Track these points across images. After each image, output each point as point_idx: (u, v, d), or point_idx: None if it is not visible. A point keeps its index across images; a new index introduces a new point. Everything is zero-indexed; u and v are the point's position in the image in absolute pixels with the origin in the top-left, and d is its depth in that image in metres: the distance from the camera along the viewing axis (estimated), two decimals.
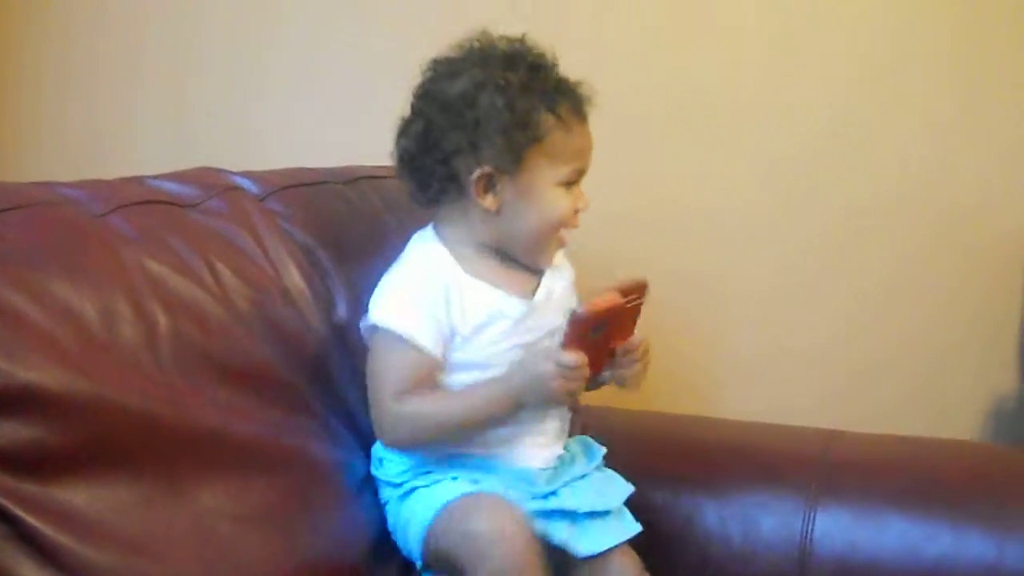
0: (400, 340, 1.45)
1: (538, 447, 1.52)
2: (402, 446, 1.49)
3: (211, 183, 1.56)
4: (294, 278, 1.54)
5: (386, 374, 1.46)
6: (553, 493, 1.51)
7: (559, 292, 1.56)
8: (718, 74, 2.22)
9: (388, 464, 1.52)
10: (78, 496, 1.23)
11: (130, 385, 1.29)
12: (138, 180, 1.54)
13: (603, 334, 1.44)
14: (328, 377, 1.53)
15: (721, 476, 1.70)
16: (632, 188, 2.19)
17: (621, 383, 1.51)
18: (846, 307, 2.29)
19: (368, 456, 1.54)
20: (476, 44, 1.50)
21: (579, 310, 1.40)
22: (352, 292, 1.57)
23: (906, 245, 2.26)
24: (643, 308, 1.48)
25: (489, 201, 1.47)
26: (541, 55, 1.50)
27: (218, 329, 1.41)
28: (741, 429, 1.84)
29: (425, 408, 1.45)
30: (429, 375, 1.46)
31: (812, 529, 1.62)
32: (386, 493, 1.52)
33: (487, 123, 1.45)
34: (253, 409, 1.42)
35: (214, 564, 1.30)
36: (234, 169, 1.63)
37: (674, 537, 1.66)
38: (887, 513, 1.61)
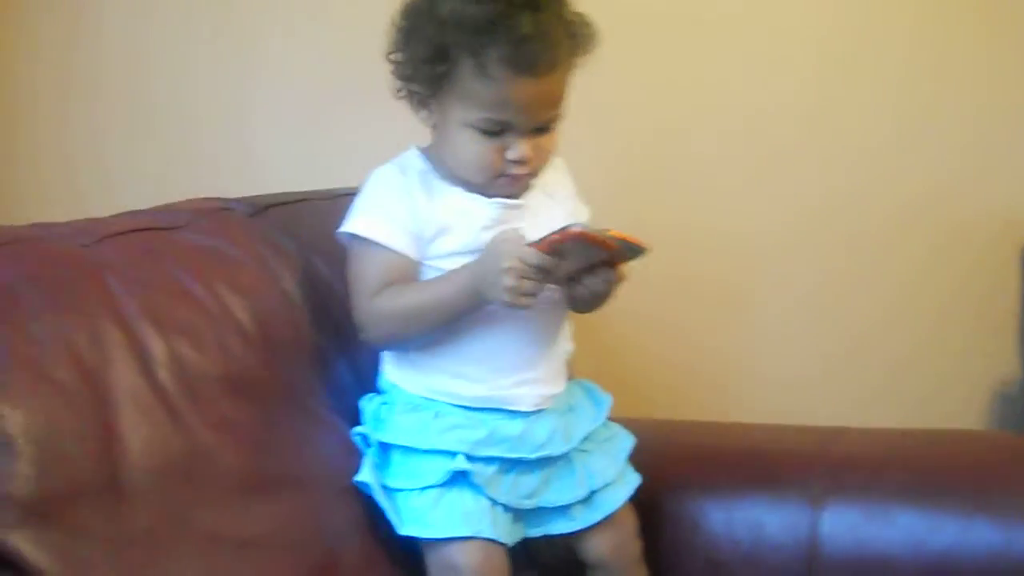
0: (372, 244, 1.46)
1: (528, 386, 1.49)
2: (385, 342, 1.50)
3: (199, 208, 1.56)
4: (291, 284, 1.53)
5: (362, 277, 1.47)
6: (565, 456, 1.52)
7: (545, 208, 1.52)
8: (705, 72, 2.25)
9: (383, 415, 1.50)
10: (78, 532, 1.20)
11: (127, 412, 1.27)
12: (124, 213, 1.53)
13: (578, 263, 1.43)
14: (333, 382, 1.53)
15: (725, 479, 1.70)
16: (647, 196, 2.24)
17: (573, 303, 1.50)
18: (849, 311, 2.31)
19: None
20: None
21: (571, 225, 1.41)
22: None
23: (909, 244, 2.30)
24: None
25: (424, 117, 1.48)
26: None
27: (214, 344, 1.40)
28: (744, 431, 1.82)
29: (399, 300, 1.45)
30: (404, 275, 1.47)
31: (819, 528, 1.61)
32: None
33: (411, 44, 1.45)
34: (256, 423, 1.41)
35: None
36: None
37: (681, 542, 1.66)
38: (892, 507, 1.60)
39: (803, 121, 2.26)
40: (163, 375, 1.33)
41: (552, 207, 1.54)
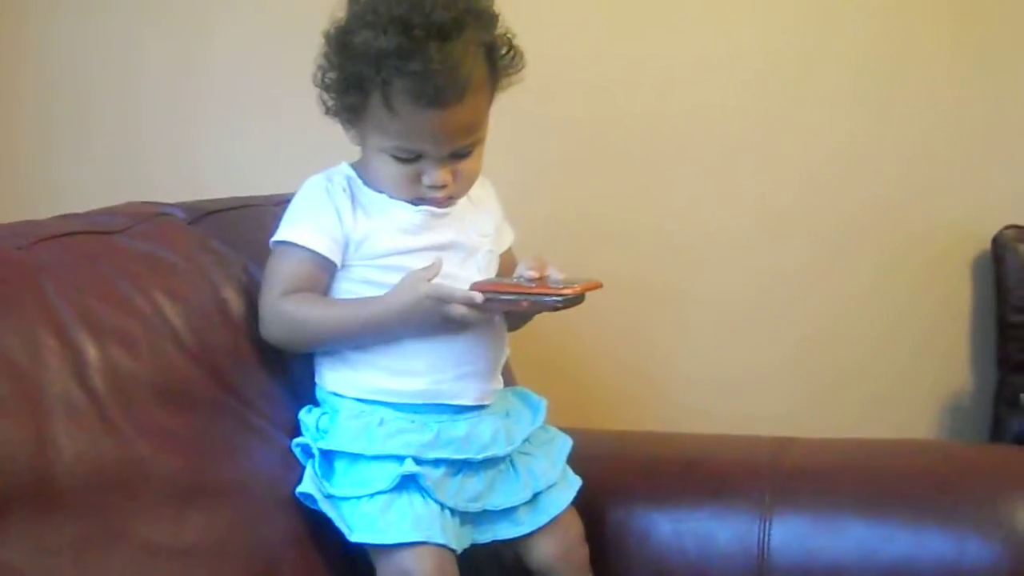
0: (290, 246, 1.48)
1: (469, 379, 1.50)
2: (278, 342, 1.50)
3: (138, 212, 1.54)
4: (230, 292, 1.51)
5: (276, 272, 1.48)
6: (507, 460, 1.52)
7: (471, 214, 1.55)
8: (677, 92, 2.26)
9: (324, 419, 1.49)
10: (7, 545, 1.17)
11: (59, 418, 1.25)
12: (63, 216, 1.51)
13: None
14: (271, 391, 1.51)
15: (674, 490, 1.68)
16: (593, 196, 2.23)
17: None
18: (799, 318, 2.31)
19: None
20: None
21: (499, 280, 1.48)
22: None
23: (861, 252, 2.30)
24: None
25: (350, 136, 1.51)
26: (434, 9, 1.41)
27: (149, 351, 1.38)
28: (693, 442, 1.81)
29: (307, 310, 1.46)
30: (318, 276, 1.48)
31: (768, 539, 1.60)
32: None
33: (329, 71, 1.47)
34: (191, 432, 1.38)
35: None
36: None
37: (630, 553, 1.64)
38: (843, 517, 1.59)
39: (756, 124, 2.27)
40: (97, 382, 1.31)
41: (478, 214, 1.56)
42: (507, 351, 1.58)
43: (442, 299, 1.42)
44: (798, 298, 2.30)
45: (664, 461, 1.74)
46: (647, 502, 1.67)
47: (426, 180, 1.46)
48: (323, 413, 1.49)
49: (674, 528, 1.64)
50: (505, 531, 1.53)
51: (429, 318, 1.44)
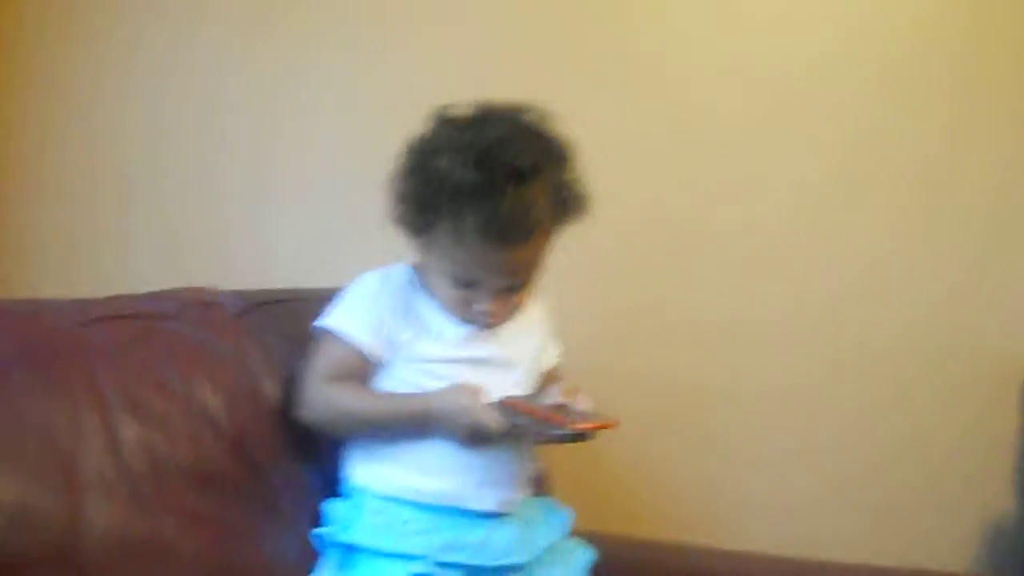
0: (336, 334, 1.54)
1: (490, 487, 1.54)
2: (315, 424, 1.55)
3: (189, 299, 1.61)
4: (269, 383, 1.57)
5: (319, 358, 1.54)
6: (525, 569, 1.54)
7: (517, 337, 1.60)
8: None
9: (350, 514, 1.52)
10: None
11: (93, 495, 1.32)
12: (118, 296, 1.58)
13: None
14: (300, 480, 1.56)
15: None
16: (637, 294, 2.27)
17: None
18: (855, 446, 2.31)
19: None
20: (480, 112, 1.52)
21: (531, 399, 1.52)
22: None
23: (908, 377, 2.30)
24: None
25: (414, 245, 1.55)
26: (518, 151, 1.46)
27: (186, 436, 1.44)
28: (723, 558, 1.83)
29: (349, 398, 1.52)
30: (360, 369, 1.54)
31: None
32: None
33: (403, 183, 1.52)
34: (220, 515, 1.44)
35: None
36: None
37: None
38: None
39: (832, 259, 2.30)
40: (133, 461, 1.38)
41: (522, 330, 1.61)
42: (534, 464, 1.62)
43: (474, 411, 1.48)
44: (852, 428, 2.31)
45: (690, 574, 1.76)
46: None
47: (477, 307, 1.52)
48: (352, 506, 1.53)
49: None
50: None
51: (459, 425, 1.49)
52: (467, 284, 1.51)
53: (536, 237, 1.49)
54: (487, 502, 1.53)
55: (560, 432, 1.44)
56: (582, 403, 1.50)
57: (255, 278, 1.80)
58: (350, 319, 1.55)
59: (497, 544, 1.52)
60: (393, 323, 1.54)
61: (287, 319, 1.65)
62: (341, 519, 1.52)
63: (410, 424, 1.51)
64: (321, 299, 1.65)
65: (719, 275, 2.29)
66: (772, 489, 2.29)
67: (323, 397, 1.53)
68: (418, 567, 1.47)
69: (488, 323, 1.55)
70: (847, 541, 2.13)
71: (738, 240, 2.28)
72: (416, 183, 1.50)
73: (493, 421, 1.47)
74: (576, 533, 1.62)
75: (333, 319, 1.55)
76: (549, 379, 1.63)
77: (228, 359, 1.55)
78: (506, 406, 1.49)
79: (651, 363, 2.21)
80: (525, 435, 1.52)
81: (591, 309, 2.15)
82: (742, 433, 2.30)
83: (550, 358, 1.66)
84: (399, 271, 1.59)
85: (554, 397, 1.51)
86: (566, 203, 1.52)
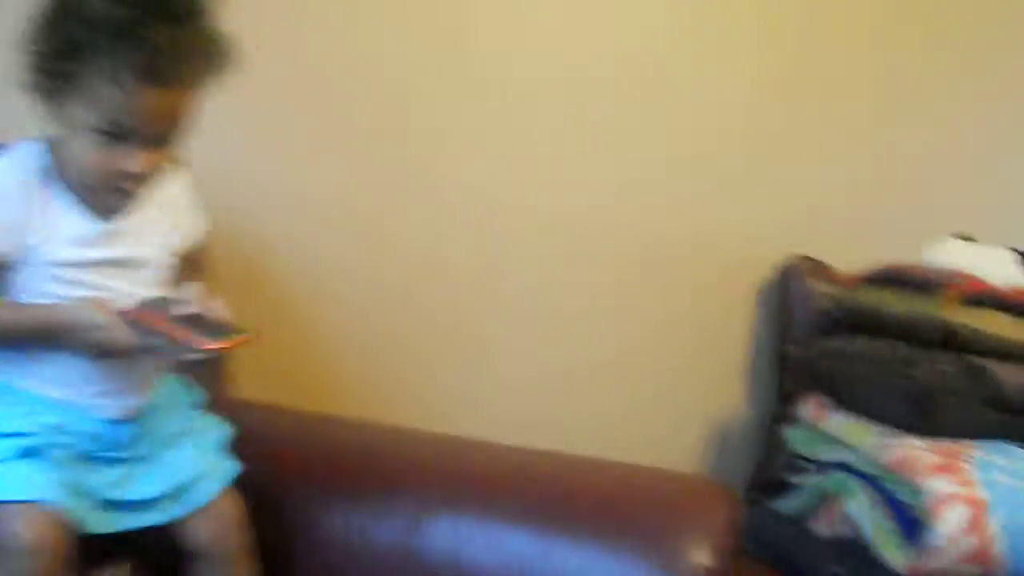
0: None
1: (111, 396, 1.49)
2: None
3: None
4: None
5: None
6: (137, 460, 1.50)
7: (148, 230, 1.52)
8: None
9: None
10: None
11: None
12: None
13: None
14: None
15: (350, 482, 1.66)
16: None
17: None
18: (587, 338, 2.26)
19: None
20: None
21: (155, 303, 1.43)
22: None
23: (648, 279, 2.28)
24: None
25: (50, 113, 1.42)
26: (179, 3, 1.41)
27: None
28: (378, 433, 1.78)
29: None
30: None
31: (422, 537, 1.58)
32: None
33: (46, 37, 1.40)
34: None
35: None
36: None
37: (296, 541, 1.63)
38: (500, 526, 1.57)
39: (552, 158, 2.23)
40: None
41: (154, 230, 1.54)
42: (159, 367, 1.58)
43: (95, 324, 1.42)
44: (587, 317, 2.28)
45: (347, 450, 1.72)
46: (325, 491, 1.65)
47: (126, 165, 1.42)
48: None
49: (344, 521, 1.62)
50: (152, 519, 1.51)
51: (87, 342, 1.43)
52: (116, 136, 1.40)
53: (188, 84, 1.41)
54: (108, 411, 1.49)
55: (191, 352, 1.40)
56: (218, 311, 1.44)
57: None
58: None
59: (116, 438, 1.50)
60: (24, 224, 1.44)
61: None
62: None
63: (37, 337, 1.44)
64: None
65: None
66: (499, 378, 2.26)
67: None
68: (28, 441, 1.41)
69: (132, 185, 1.45)
70: (573, 438, 2.09)
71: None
72: (61, 31, 1.39)
73: (123, 340, 1.41)
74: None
75: None
76: (190, 263, 1.58)
77: None
78: (135, 320, 1.42)
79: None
80: (155, 352, 1.45)
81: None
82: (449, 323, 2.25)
83: (189, 237, 1.58)
84: (29, 155, 1.47)
85: (187, 304, 1.45)
86: (213, 56, 1.43)
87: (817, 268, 2.26)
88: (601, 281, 2.26)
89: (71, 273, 1.46)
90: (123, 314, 1.42)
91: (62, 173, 1.46)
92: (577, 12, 2.18)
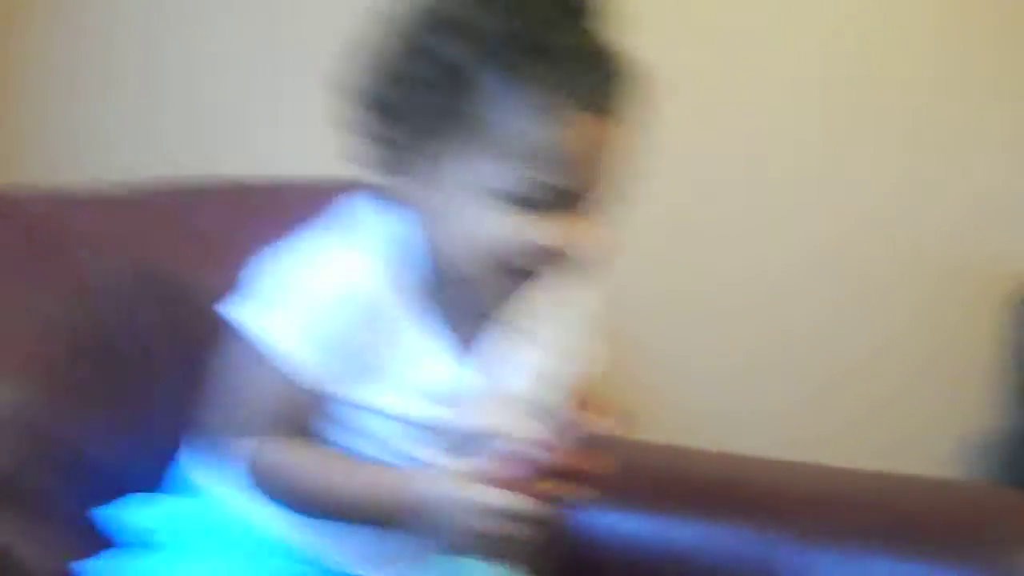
0: (277, 356, 1.04)
1: (380, 561, 1.13)
2: (251, 488, 1.09)
3: None
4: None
5: (257, 403, 1.06)
6: None
7: (516, 357, 1.11)
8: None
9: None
10: None
11: None
12: None
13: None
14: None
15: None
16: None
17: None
18: (832, 350, 2.27)
19: None
20: None
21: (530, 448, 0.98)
22: None
23: (896, 290, 2.27)
24: None
25: (403, 183, 1.03)
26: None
27: None
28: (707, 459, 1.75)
29: (293, 467, 1.05)
30: (302, 411, 1.06)
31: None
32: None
33: (404, 69, 1.00)
34: None
35: None
36: None
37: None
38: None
39: (807, 163, 2.22)
40: None
41: (523, 359, 1.12)
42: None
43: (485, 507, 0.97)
44: (832, 333, 2.27)
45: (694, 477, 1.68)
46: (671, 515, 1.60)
47: (544, 237, 0.98)
48: (181, 511, 1.15)
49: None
50: None
51: (459, 526, 0.98)
52: (532, 197, 0.97)
53: (626, 109, 1.01)
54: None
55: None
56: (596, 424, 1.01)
57: None
58: (296, 337, 1.03)
59: None
60: (357, 345, 1.04)
61: None
62: (164, 520, 1.14)
63: (380, 510, 1.02)
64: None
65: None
66: (743, 395, 2.24)
67: (265, 459, 1.05)
68: None
69: (547, 270, 1.01)
70: (820, 447, 2.10)
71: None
72: (427, 55, 0.99)
73: (497, 524, 0.96)
74: None
75: (271, 320, 1.03)
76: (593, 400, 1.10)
77: None
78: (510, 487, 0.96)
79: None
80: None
81: None
82: (710, 339, 2.24)
83: (586, 370, 1.15)
84: (411, 243, 1.03)
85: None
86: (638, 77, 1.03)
87: None
88: (839, 283, 2.26)
89: (414, 432, 1.07)
90: (495, 481, 0.97)
91: (435, 272, 1.05)
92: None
